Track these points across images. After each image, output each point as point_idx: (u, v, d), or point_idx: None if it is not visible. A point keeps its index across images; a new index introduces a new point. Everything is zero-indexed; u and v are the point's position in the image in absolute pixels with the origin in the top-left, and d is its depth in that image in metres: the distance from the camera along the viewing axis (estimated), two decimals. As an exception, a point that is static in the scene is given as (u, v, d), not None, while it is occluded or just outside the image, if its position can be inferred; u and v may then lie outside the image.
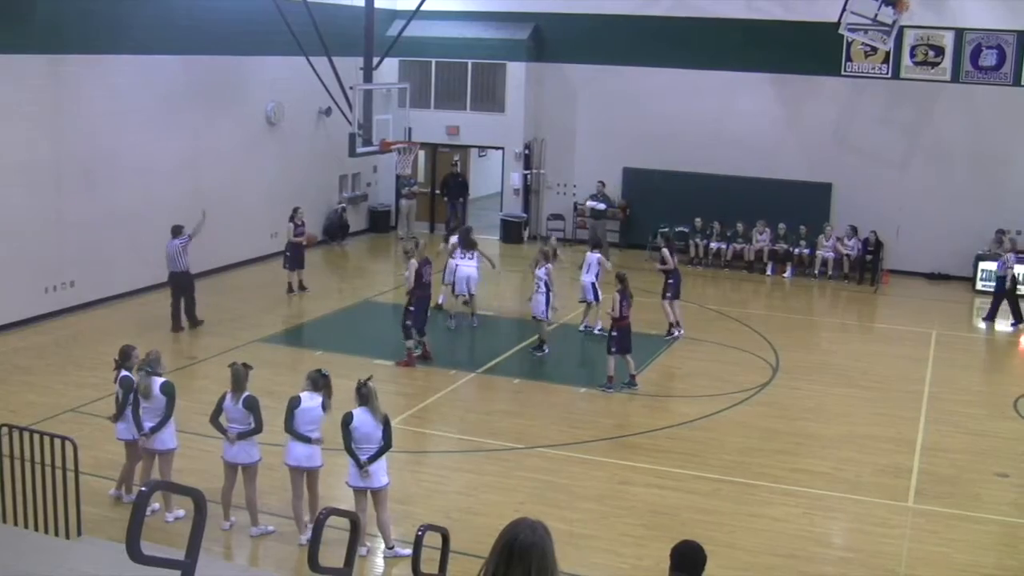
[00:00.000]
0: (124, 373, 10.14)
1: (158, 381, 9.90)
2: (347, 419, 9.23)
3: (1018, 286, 19.01)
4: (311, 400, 9.53)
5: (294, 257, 18.91)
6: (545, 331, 15.90)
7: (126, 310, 17.36)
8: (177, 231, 16.00)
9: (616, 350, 14.16)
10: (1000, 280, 19.10)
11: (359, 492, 9.37)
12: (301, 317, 18.13)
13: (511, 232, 24.83)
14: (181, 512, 9.81)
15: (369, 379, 9.41)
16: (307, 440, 9.51)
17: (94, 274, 17.27)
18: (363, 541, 9.26)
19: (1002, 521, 10.75)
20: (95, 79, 17.14)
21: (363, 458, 9.19)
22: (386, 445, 9.30)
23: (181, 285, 16.27)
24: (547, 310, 15.68)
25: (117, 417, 10.12)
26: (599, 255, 17.05)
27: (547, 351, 15.78)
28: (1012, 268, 18.93)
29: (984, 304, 19.70)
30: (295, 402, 9.52)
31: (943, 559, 9.74)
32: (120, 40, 17.48)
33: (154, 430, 9.81)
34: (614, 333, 14.17)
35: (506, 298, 19.64)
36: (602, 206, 23.19)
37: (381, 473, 9.33)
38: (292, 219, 18.87)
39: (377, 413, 9.25)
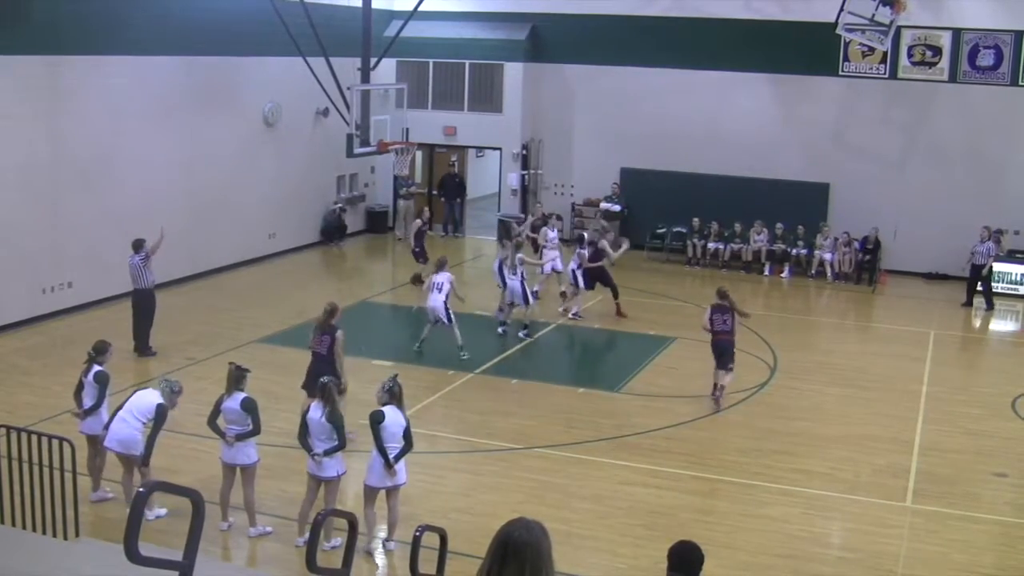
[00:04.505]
0: (98, 368, 10.26)
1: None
2: (379, 417, 9.22)
3: (992, 277, 20.05)
4: (315, 411, 9.39)
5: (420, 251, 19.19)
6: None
7: (124, 311, 17.31)
8: (138, 246, 14.77)
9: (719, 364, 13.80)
10: (976, 267, 19.93)
11: (374, 491, 9.39)
12: (300, 318, 18.08)
13: (509, 232, 24.75)
14: (163, 511, 9.79)
15: (396, 377, 9.51)
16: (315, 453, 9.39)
17: (92, 275, 17.24)
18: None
19: (1000, 521, 10.75)
20: (92, 80, 17.12)
21: (391, 456, 9.22)
22: (408, 444, 9.35)
23: (143, 304, 15.09)
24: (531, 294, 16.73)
25: (90, 412, 10.14)
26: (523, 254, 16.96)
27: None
28: (992, 257, 19.80)
29: (981, 303, 19.91)
30: (304, 414, 9.49)
31: (941, 559, 9.74)
32: (117, 41, 17.46)
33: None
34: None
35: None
36: (617, 207, 23.31)
37: (403, 471, 9.42)
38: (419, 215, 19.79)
39: (404, 411, 9.37)
